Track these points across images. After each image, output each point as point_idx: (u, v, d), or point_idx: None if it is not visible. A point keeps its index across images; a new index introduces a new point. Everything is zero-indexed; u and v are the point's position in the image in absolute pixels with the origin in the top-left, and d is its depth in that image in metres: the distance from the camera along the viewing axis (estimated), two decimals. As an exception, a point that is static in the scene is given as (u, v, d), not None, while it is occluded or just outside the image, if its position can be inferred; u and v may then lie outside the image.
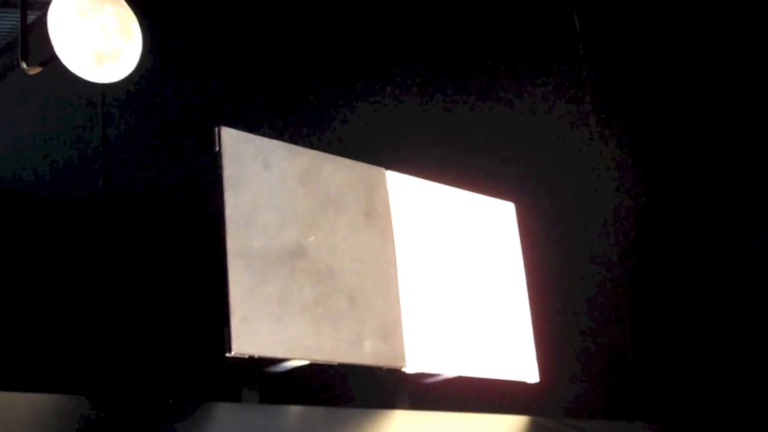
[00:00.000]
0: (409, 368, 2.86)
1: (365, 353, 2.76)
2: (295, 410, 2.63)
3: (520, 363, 3.23)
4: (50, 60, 3.55)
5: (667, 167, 3.63)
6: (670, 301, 3.53)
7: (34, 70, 3.73)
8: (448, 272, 3.12)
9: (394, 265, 2.95)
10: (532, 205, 3.66)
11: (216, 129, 2.65)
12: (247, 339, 2.50)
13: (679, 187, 3.58)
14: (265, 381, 2.70)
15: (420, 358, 2.89)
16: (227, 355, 2.46)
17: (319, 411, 2.74)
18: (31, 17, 3.93)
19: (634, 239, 3.68)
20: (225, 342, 2.46)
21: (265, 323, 2.55)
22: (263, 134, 2.79)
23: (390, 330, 2.84)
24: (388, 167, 3.09)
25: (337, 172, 2.92)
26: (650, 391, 3.52)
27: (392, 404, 3.01)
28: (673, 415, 3.46)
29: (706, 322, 3.41)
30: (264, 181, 2.70)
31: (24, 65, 3.73)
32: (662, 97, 3.69)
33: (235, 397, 2.68)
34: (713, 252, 3.43)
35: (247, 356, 2.49)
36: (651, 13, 3.76)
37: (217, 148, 2.63)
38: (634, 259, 3.66)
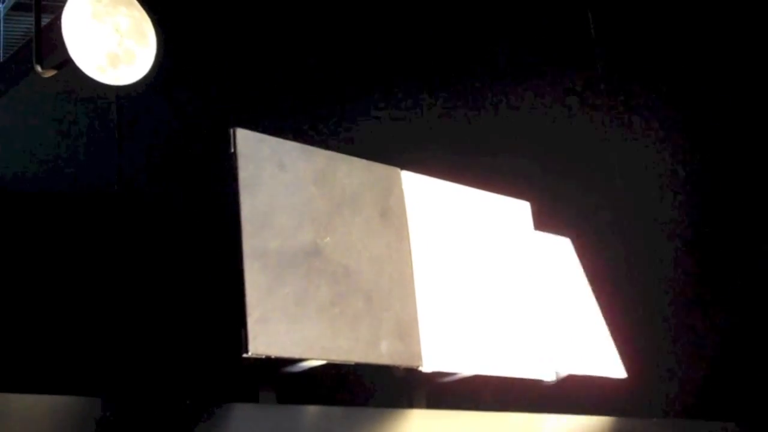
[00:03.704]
0: (426, 367, 2.85)
1: (382, 353, 2.76)
2: (312, 410, 2.63)
3: (537, 361, 3.22)
4: (64, 63, 3.56)
5: (681, 172, 3.62)
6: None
7: (49, 73, 3.75)
8: (465, 271, 3.12)
9: (410, 265, 2.94)
10: (548, 204, 3.66)
11: (231, 130, 2.65)
12: (264, 339, 2.50)
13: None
14: (282, 381, 2.70)
15: (437, 357, 2.89)
16: (244, 355, 2.46)
17: (336, 411, 2.74)
18: (45, 21, 3.95)
19: (653, 239, 3.67)
20: (242, 343, 2.46)
21: (282, 324, 2.55)
22: (278, 135, 2.79)
23: (406, 329, 2.84)
24: (403, 167, 3.09)
25: (353, 172, 2.91)
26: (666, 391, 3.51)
27: (409, 403, 3.00)
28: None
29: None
30: (279, 182, 2.70)
31: (39, 68, 3.75)
32: (675, 97, 3.69)
33: (253, 398, 2.68)
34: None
35: (264, 357, 2.49)
36: (668, 14, 3.75)
37: (232, 149, 2.63)
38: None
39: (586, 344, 3.47)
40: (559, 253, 3.59)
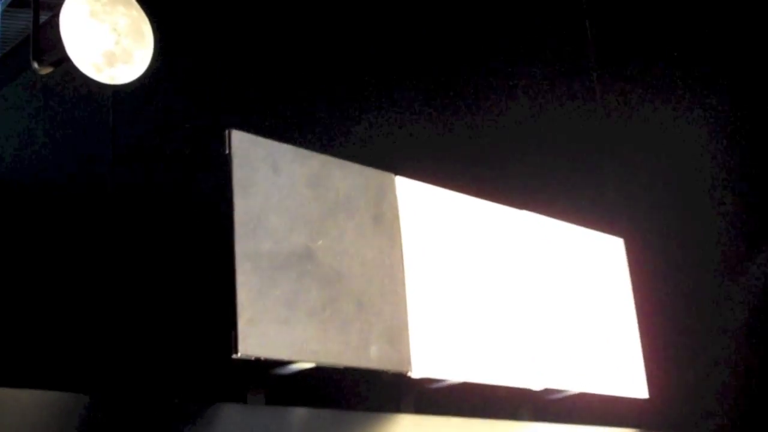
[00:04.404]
0: (415, 373, 2.86)
1: (371, 357, 2.76)
2: (300, 412, 2.64)
3: (525, 369, 3.23)
4: (61, 61, 3.56)
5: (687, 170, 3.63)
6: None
7: (46, 71, 3.74)
8: (457, 279, 3.12)
9: (402, 271, 2.95)
10: (542, 211, 3.67)
11: (226, 132, 2.66)
12: (254, 341, 2.51)
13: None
14: (271, 383, 2.70)
15: (426, 363, 2.89)
16: (234, 356, 2.47)
17: (324, 413, 2.74)
18: (43, 18, 3.95)
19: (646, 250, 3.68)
20: (232, 343, 2.47)
21: (272, 326, 2.55)
22: (273, 138, 2.79)
23: (396, 335, 2.85)
24: (397, 173, 3.10)
25: (347, 176, 2.92)
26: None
27: (397, 408, 3.01)
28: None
29: None
30: (273, 185, 2.71)
31: (35, 65, 3.74)
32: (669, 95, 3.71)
33: (241, 399, 2.68)
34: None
35: (253, 358, 2.50)
36: (660, 14, 3.77)
37: (227, 151, 2.64)
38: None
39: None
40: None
